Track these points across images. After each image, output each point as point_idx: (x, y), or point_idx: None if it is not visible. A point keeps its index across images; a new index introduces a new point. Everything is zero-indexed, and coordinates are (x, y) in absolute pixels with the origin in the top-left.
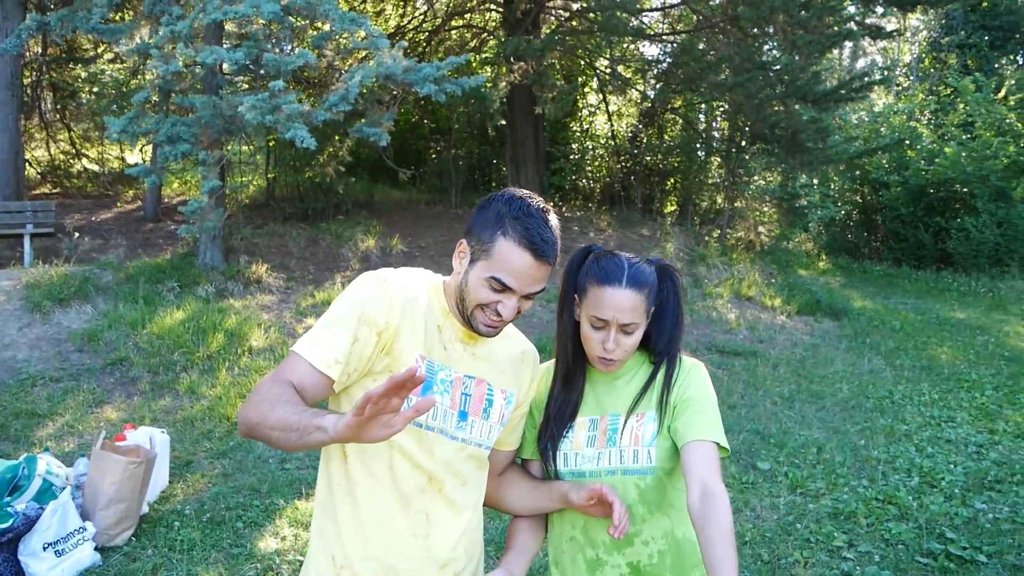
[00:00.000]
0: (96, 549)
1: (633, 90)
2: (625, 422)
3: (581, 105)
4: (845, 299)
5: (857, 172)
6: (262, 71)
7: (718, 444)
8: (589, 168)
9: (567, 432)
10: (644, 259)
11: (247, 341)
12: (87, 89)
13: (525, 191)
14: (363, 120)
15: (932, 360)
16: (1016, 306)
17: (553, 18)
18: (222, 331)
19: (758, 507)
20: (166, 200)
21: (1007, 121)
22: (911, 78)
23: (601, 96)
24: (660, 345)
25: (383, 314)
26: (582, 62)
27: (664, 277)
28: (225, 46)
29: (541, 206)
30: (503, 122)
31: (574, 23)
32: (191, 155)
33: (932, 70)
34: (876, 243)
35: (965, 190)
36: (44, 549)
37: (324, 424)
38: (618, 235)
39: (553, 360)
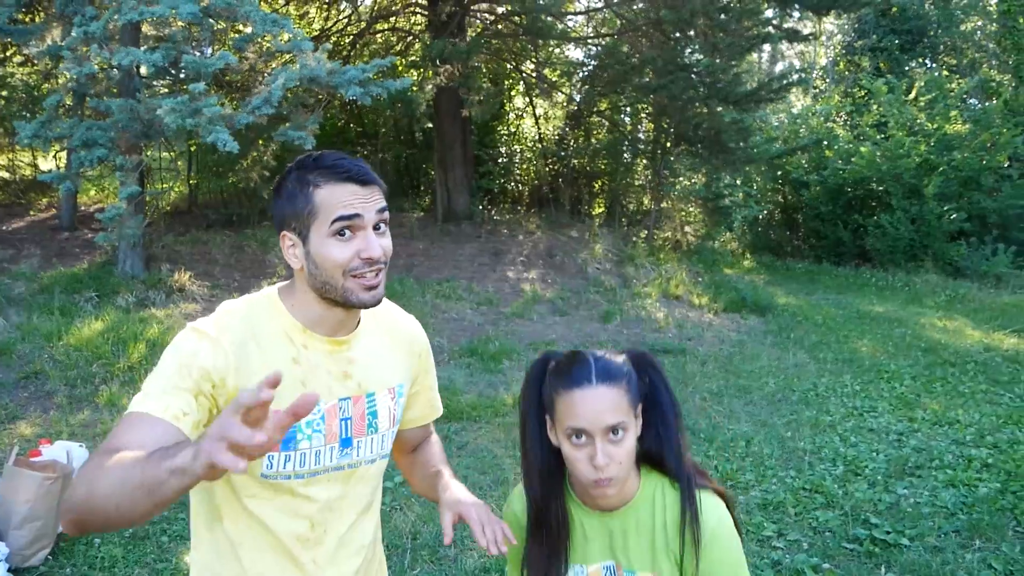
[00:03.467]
0: (10, 571)
1: (559, 93)
2: None
3: (508, 108)
4: (769, 296)
5: (778, 172)
6: (182, 74)
7: None
8: (518, 171)
9: None
10: (614, 351)
11: None
12: None
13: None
14: (287, 124)
15: (853, 353)
16: (931, 299)
17: (478, 21)
18: (144, 341)
19: None
20: (83, 208)
21: (918, 121)
22: (827, 81)
23: (528, 99)
24: (652, 451)
25: (219, 370)
26: (508, 65)
27: (643, 368)
28: (142, 48)
29: (328, 151)
30: (430, 125)
31: (499, 26)
32: (108, 160)
33: (847, 73)
34: (798, 241)
35: (881, 188)
36: None
37: (181, 464)
38: (547, 237)
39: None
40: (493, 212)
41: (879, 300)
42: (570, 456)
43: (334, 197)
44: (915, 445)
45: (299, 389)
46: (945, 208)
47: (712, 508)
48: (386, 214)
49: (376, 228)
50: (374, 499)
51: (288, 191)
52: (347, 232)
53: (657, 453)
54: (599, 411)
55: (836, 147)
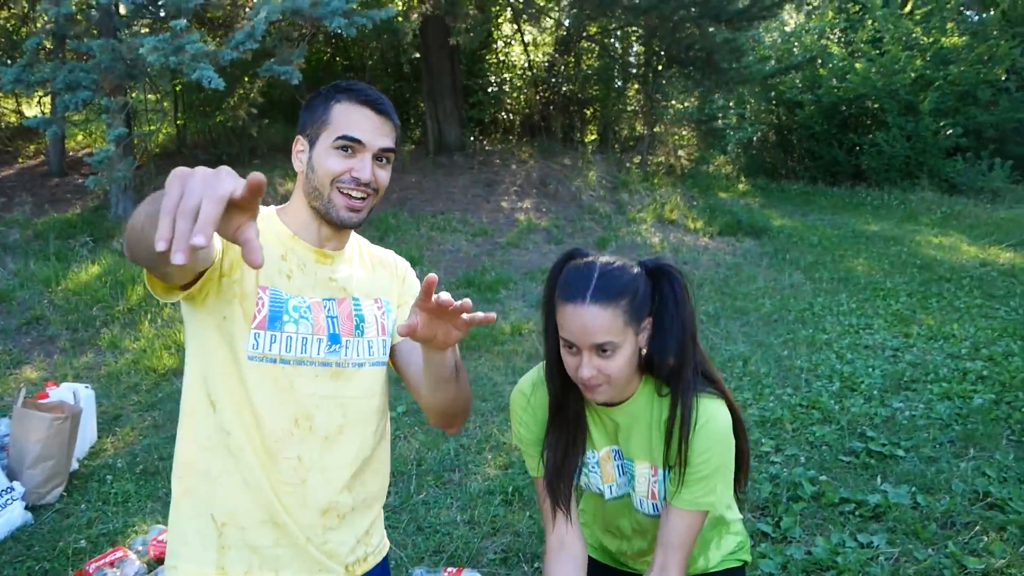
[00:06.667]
0: (27, 508)
1: (547, 18)
2: (639, 470)
3: (496, 36)
4: (765, 218)
5: (772, 92)
6: (162, 12)
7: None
8: (508, 100)
9: (588, 471)
10: (634, 261)
11: None
12: None
13: None
14: (272, 59)
15: (849, 272)
16: (926, 216)
17: None
18: (141, 283)
19: None
20: (72, 153)
21: (913, 35)
22: None
23: (516, 26)
24: (664, 368)
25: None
26: None
27: (659, 279)
28: None
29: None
30: (417, 56)
31: None
32: (93, 102)
33: None
34: (792, 163)
35: (876, 105)
36: None
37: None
38: (540, 166)
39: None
40: (485, 143)
41: (875, 219)
42: (564, 359)
43: (347, 115)
44: (911, 360)
45: (283, 280)
46: (941, 124)
47: (704, 408)
48: (392, 154)
49: (378, 159)
50: (373, 407)
51: (313, 102)
52: (350, 150)
53: (657, 363)
54: (587, 330)
55: (830, 65)
